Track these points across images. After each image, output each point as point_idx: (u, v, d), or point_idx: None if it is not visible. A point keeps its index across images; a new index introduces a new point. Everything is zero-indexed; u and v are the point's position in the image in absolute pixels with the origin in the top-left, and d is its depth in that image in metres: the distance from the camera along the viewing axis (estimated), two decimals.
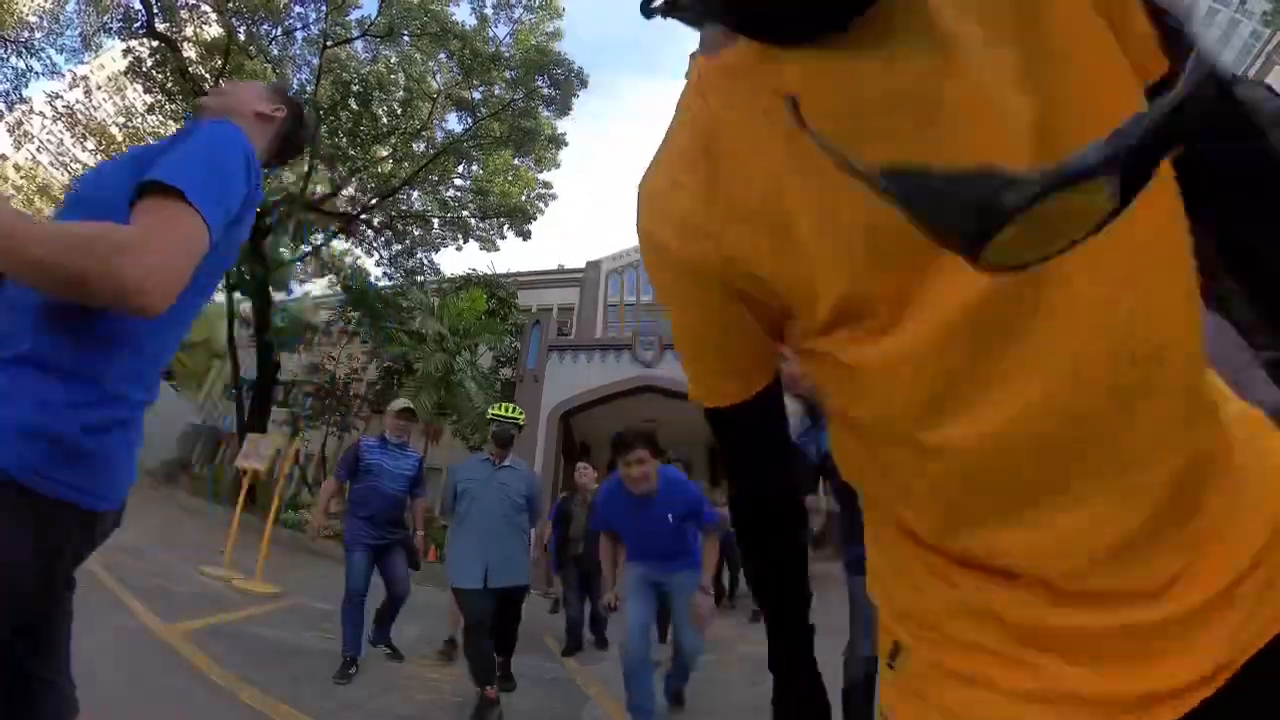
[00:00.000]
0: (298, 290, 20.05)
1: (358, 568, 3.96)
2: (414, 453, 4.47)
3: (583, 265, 24.60)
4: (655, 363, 14.45)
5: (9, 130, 16.46)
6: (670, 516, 3.00)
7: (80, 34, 14.26)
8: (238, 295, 15.78)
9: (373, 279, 18.07)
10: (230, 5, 13.17)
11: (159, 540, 7.45)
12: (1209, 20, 47.26)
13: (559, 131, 16.83)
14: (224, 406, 22.51)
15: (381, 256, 17.92)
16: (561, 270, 25.66)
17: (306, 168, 15.35)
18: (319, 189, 16.57)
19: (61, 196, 15.44)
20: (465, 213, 17.78)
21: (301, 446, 10.90)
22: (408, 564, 4.28)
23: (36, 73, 14.14)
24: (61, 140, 19.12)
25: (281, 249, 16.72)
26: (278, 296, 17.20)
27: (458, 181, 17.69)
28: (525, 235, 17.69)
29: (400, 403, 4.54)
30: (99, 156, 17.76)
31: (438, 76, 16.07)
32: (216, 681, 3.11)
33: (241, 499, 6.89)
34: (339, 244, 18.24)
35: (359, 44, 15.33)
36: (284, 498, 10.55)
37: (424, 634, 5.37)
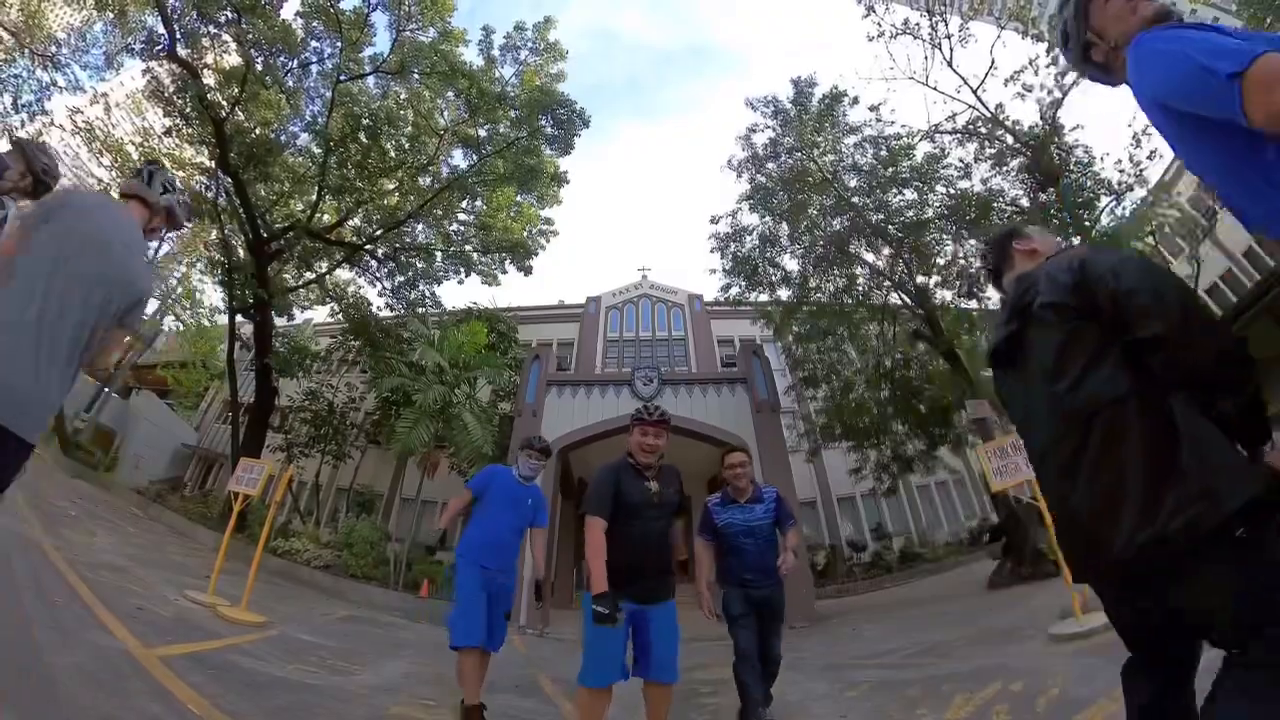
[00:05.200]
0: (300, 317, 20.14)
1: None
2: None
3: (583, 300, 24.78)
4: (654, 398, 14.37)
5: None
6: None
7: (104, 53, 14.72)
8: (240, 319, 15.79)
9: (374, 309, 18.18)
10: (250, 36, 13.63)
11: (144, 560, 7.25)
12: None
13: (561, 169, 17.19)
14: (222, 428, 22.34)
15: (384, 287, 18.05)
16: (562, 305, 25.82)
17: (315, 197, 15.61)
18: (326, 218, 16.80)
19: None
20: (468, 247, 18.01)
21: (295, 474, 10.71)
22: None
23: (60, 87, 14.53)
24: (78, 154, 19.56)
25: (285, 275, 16.85)
26: (279, 322, 17.23)
27: (461, 216, 17.99)
28: (527, 270, 17.86)
29: None
30: (114, 173, 18.09)
31: (445, 114, 16.51)
32: (193, 711, 2.95)
33: (231, 524, 6.72)
34: (343, 273, 18.39)
35: (370, 80, 15.81)
36: (274, 525, 10.32)
37: (413, 671, 5.16)
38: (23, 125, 14.35)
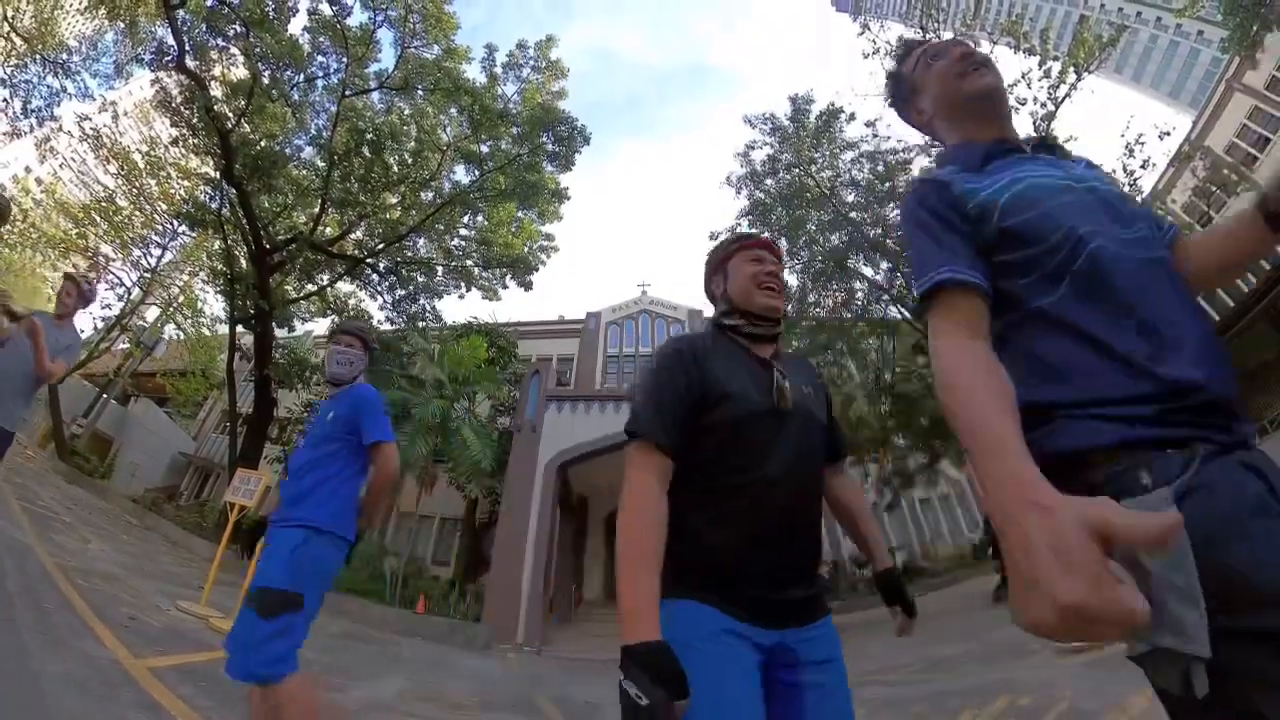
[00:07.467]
0: (300, 328, 20.13)
1: None
2: None
3: (583, 316, 24.80)
4: None
5: (36, 144, 17.08)
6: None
7: (114, 62, 14.94)
8: (240, 329, 15.79)
9: (375, 322, 18.17)
10: (258, 50, 13.83)
11: (137, 569, 7.15)
12: (1170, 53, 49.90)
13: (561, 186, 17.31)
14: (219, 438, 22.23)
15: (385, 300, 18.07)
16: (562, 321, 25.83)
17: (318, 209, 15.69)
18: (328, 231, 16.87)
19: (78, 215, 16.16)
20: (469, 262, 18.06)
21: None
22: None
23: (69, 94, 14.72)
24: (84, 160, 19.77)
25: (287, 286, 16.87)
26: (280, 333, 17.22)
27: (463, 231, 18.07)
28: (527, 285, 17.90)
29: None
30: (119, 181, 18.22)
31: (448, 130, 16.66)
32: None
33: (226, 535, 6.64)
34: (344, 286, 18.43)
35: (375, 95, 16.00)
36: None
37: (408, 688, 5.07)
38: (32, 130, 14.54)
